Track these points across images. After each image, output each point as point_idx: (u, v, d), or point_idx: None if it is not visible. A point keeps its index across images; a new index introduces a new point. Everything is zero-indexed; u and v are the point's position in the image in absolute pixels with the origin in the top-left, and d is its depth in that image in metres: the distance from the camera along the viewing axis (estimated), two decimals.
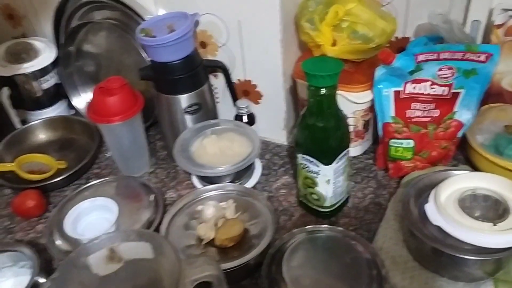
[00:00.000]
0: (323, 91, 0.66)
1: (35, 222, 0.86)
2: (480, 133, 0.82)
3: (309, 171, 0.74)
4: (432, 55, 0.74)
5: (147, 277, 0.54)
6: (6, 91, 0.98)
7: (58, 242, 0.75)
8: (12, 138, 0.99)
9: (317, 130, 0.71)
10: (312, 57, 0.77)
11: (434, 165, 0.83)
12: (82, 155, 0.95)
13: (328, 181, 0.74)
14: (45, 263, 0.73)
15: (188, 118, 0.88)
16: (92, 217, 0.77)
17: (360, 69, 0.84)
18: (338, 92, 0.72)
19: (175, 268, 0.45)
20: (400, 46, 0.93)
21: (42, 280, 0.69)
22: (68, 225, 0.75)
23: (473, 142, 0.81)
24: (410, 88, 0.78)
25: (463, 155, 0.87)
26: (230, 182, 0.81)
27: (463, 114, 0.79)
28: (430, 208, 0.66)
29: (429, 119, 0.80)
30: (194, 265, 0.48)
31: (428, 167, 0.82)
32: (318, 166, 0.72)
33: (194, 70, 0.85)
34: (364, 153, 0.93)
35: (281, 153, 0.96)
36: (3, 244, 0.73)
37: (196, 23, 0.85)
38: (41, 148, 0.99)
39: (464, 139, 0.82)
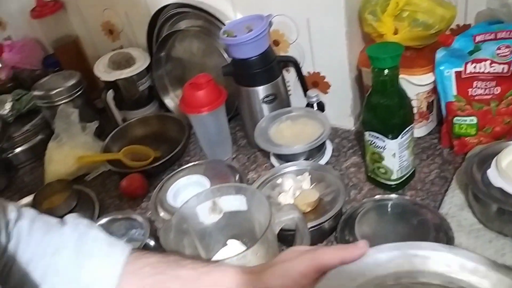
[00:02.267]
0: (386, 72, 0.75)
1: (140, 201, 1.01)
2: None
3: (376, 146, 0.82)
4: (489, 35, 0.80)
5: (242, 227, 0.65)
6: (111, 93, 1.16)
7: (162, 214, 0.89)
8: (116, 133, 1.16)
9: (382, 108, 0.79)
10: (375, 43, 0.86)
11: (498, 139, 0.87)
12: (173, 145, 1.09)
13: (394, 155, 0.81)
14: (152, 232, 0.87)
15: (265, 107, 1.00)
16: (188, 192, 0.90)
17: (421, 54, 0.91)
18: (401, 76, 0.81)
19: (267, 212, 0.56)
20: (461, 33, 0.98)
21: (151, 242, 0.83)
22: (170, 198, 0.89)
23: None
24: (470, 68, 0.84)
25: None
26: (304, 160, 0.92)
27: None
28: (492, 173, 0.72)
29: (490, 96, 0.85)
30: (281, 210, 0.58)
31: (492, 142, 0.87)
32: (384, 141, 0.81)
33: (269, 65, 0.96)
34: (429, 133, 0.99)
35: (349, 137, 1.05)
36: (119, 213, 0.88)
37: (270, 24, 0.97)
38: (139, 141, 1.15)
39: None
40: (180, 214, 0.60)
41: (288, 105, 1.05)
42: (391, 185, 0.86)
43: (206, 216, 0.63)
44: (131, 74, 1.16)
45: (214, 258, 0.61)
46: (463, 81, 0.85)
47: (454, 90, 0.87)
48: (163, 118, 1.20)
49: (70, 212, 1.01)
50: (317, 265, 0.41)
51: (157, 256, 0.54)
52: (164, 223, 0.58)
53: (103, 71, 1.17)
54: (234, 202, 0.62)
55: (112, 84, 1.17)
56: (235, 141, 1.13)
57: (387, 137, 0.80)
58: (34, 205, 1.00)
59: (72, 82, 1.19)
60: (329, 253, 0.42)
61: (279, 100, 1.01)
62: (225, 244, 0.65)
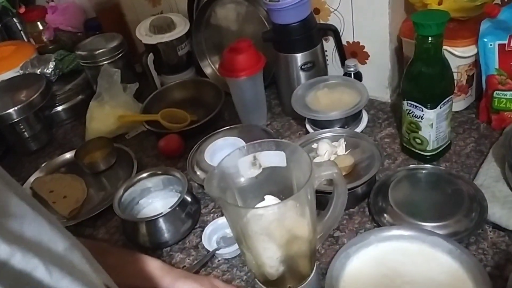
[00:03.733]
0: (430, 39, 0.75)
1: (176, 160, 1.05)
2: None
3: (414, 116, 0.83)
4: None
5: (280, 184, 0.67)
6: (151, 56, 1.18)
7: (198, 172, 0.92)
8: (154, 96, 1.20)
9: (424, 76, 0.79)
10: (421, 10, 0.86)
11: None
12: (210, 110, 1.11)
13: (431, 125, 0.82)
14: (189, 188, 0.91)
15: (303, 75, 1.01)
16: (225, 152, 0.92)
17: (465, 26, 0.90)
18: (444, 47, 0.80)
19: (307, 166, 0.57)
20: (508, 4, 0.96)
21: (188, 198, 0.87)
22: (207, 158, 0.92)
23: None
24: None
25: None
26: (340, 127, 0.93)
27: None
28: None
29: None
30: (321, 166, 0.60)
31: None
32: (422, 110, 0.81)
33: (309, 32, 0.97)
34: (467, 108, 0.98)
35: (385, 109, 1.05)
36: (159, 169, 0.92)
37: None
38: (177, 105, 1.18)
39: None
40: (222, 165, 0.62)
41: (326, 74, 1.06)
42: (426, 155, 0.87)
43: (246, 170, 0.65)
44: (171, 39, 1.19)
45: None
46: (506, 54, 0.84)
47: (496, 63, 0.86)
48: (200, 83, 1.22)
49: (110, 168, 1.06)
50: None
51: (87, 243, 0.58)
52: (208, 173, 0.60)
53: (144, 35, 1.20)
54: (273, 158, 0.64)
55: (153, 48, 1.20)
56: (269, 108, 1.14)
57: (426, 106, 0.80)
58: (76, 159, 1.05)
59: (114, 43, 1.22)
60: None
61: (317, 68, 1.02)
62: (262, 200, 0.67)
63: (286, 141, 0.63)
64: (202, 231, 0.83)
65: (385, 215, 0.77)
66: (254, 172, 0.67)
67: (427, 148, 0.85)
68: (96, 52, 1.20)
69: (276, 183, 0.68)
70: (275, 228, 0.59)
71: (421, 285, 0.56)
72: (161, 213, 0.81)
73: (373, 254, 0.61)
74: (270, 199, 0.66)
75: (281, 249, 0.61)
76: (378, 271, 0.59)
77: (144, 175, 0.88)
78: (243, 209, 0.60)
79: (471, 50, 0.88)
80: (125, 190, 0.87)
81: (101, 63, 1.19)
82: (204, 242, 0.81)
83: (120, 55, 1.22)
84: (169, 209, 0.81)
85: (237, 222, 0.59)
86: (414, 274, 0.57)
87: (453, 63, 0.89)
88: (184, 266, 0.81)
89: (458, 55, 0.89)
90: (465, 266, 0.55)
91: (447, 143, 0.88)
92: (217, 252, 0.79)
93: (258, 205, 0.66)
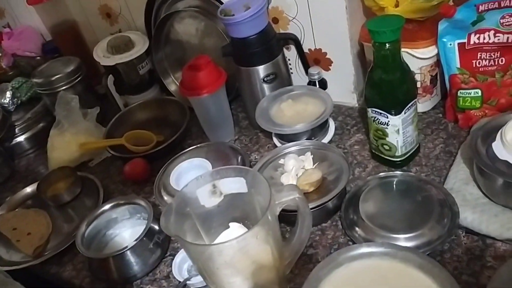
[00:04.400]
0: (387, 46, 0.73)
1: (143, 185, 1.01)
2: None
3: (379, 123, 0.81)
4: (493, 4, 0.77)
5: (243, 209, 0.65)
6: (111, 78, 1.15)
7: (166, 197, 0.89)
8: (118, 118, 1.16)
9: (385, 83, 0.77)
10: (375, 17, 0.84)
11: (503, 112, 0.86)
12: (176, 129, 1.08)
13: (398, 131, 0.80)
14: (156, 215, 0.88)
15: (266, 87, 0.98)
16: (191, 175, 0.90)
17: (423, 27, 0.88)
18: (404, 50, 0.79)
19: (267, 193, 0.55)
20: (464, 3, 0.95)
21: (156, 226, 0.83)
22: (173, 182, 0.89)
23: None
24: (474, 38, 0.81)
25: None
26: (307, 139, 0.91)
27: None
28: (497, 146, 0.71)
29: (495, 67, 0.83)
30: (282, 191, 0.58)
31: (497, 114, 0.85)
32: (387, 117, 0.79)
33: (269, 43, 0.94)
34: (434, 108, 0.97)
35: (353, 115, 1.03)
36: (122, 198, 0.88)
37: (269, 0, 0.94)
38: (141, 126, 1.15)
39: None
40: (180, 197, 0.60)
41: (290, 84, 1.03)
42: (396, 161, 0.85)
43: (207, 199, 0.63)
44: (130, 58, 1.15)
45: (216, 241, 0.61)
46: (467, 53, 0.83)
47: (457, 63, 0.84)
48: (164, 101, 1.19)
49: (75, 198, 1.02)
50: None
51: None
52: (165, 207, 0.57)
53: (102, 56, 1.16)
54: (234, 185, 0.62)
55: (112, 69, 1.16)
56: (237, 122, 1.12)
57: (390, 113, 0.78)
58: (38, 192, 1.01)
59: (71, 68, 1.18)
60: None
61: (280, 79, 0.99)
62: (227, 227, 0.64)
63: (245, 167, 0.61)
64: (173, 259, 0.80)
65: (356, 228, 0.75)
66: (215, 200, 0.64)
67: (396, 154, 0.84)
68: (53, 78, 1.16)
69: (240, 209, 0.66)
70: (239, 260, 0.56)
71: None
72: (126, 246, 0.77)
73: (344, 275, 0.58)
74: (235, 227, 0.64)
75: (248, 281, 0.58)
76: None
77: (107, 207, 0.85)
78: (201, 246, 0.57)
79: (431, 51, 0.87)
80: (88, 225, 0.83)
81: (58, 89, 1.15)
82: (175, 271, 0.77)
83: (78, 79, 1.18)
84: (134, 242, 0.77)
85: (197, 259, 0.56)
86: None
87: (415, 64, 0.88)
88: None
89: (419, 57, 0.87)
90: (437, 281, 0.53)
91: (416, 147, 0.86)
92: (188, 282, 0.76)
93: (222, 234, 0.64)
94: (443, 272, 0.54)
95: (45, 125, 1.23)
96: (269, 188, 0.55)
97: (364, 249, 0.60)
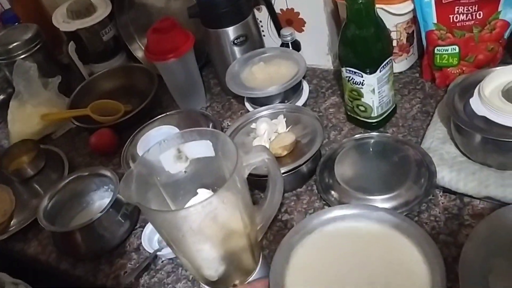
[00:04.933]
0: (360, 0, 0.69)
1: (111, 157, 0.96)
2: None
3: (354, 83, 0.78)
4: None
5: (212, 175, 0.61)
6: (72, 45, 1.08)
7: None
8: (82, 88, 1.10)
9: (359, 40, 0.73)
10: None
11: (481, 69, 0.83)
12: (145, 98, 1.03)
13: (373, 90, 0.77)
14: None
15: (237, 50, 0.94)
16: None
17: None
18: (379, 6, 0.75)
19: (234, 155, 0.51)
20: None
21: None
22: (140, 151, 0.84)
23: None
24: None
25: None
26: (280, 103, 0.87)
27: (508, 13, 0.78)
28: (474, 102, 0.68)
29: (473, 22, 0.80)
30: (250, 153, 0.54)
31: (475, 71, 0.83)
32: (362, 76, 0.76)
33: (237, 2, 0.89)
34: (410, 67, 0.94)
35: (328, 77, 1.00)
36: (86, 170, 0.84)
37: None
38: (108, 95, 1.09)
39: (511, 39, 0.82)
40: (142, 163, 0.55)
41: (262, 46, 0.99)
42: (372, 123, 0.82)
43: (172, 165, 0.59)
44: (92, 23, 1.08)
45: (185, 206, 0.58)
46: (443, 7, 0.80)
47: (434, 18, 0.81)
48: (131, 69, 1.13)
49: (39, 172, 0.97)
50: None
51: None
52: (124, 175, 0.53)
53: (61, 22, 1.09)
54: (200, 148, 0.58)
55: (74, 35, 1.10)
56: (208, 89, 1.07)
57: (365, 72, 0.75)
58: (0, 168, 0.95)
59: (29, 35, 1.10)
60: None
61: (251, 42, 0.95)
62: (195, 194, 0.61)
63: (209, 129, 0.57)
64: (143, 231, 0.76)
65: (332, 192, 0.72)
66: (181, 166, 0.60)
67: (372, 115, 0.81)
68: (10, 47, 1.08)
69: (209, 175, 0.62)
70: (207, 226, 0.53)
71: (371, 266, 0.52)
72: (92, 218, 0.73)
73: (318, 240, 0.56)
74: (203, 193, 0.60)
75: (217, 248, 0.55)
76: (325, 259, 0.54)
77: (69, 179, 0.80)
78: (163, 212, 0.53)
79: (407, 6, 0.83)
80: (51, 199, 0.79)
81: (17, 58, 1.07)
82: (144, 243, 0.74)
83: (37, 47, 1.10)
84: (100, 214, 0.73)
85: (161, 227, 0.53)
86: (362, 255, 0.53)
87: (390, 21, 0.84)
88: (125, 271, 0.74)
89: (394, 13, 0.84)
90: (413, 240, 0.51)
91: (392, 107, 0.83)
92: (158, 253, 0.73)
93: (190, 201, 0.60)
94: (418, 231, 0.52)
95: (5, 98, 1.15)
96: (236, 149, 0.51)
97: (338, 212, 0.58)
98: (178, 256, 0.58)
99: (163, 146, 0.57)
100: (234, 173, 0.50)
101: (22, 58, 1.07)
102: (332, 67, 1.01)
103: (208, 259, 0.55)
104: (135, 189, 0.53)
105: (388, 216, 0.54)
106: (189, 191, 0.62)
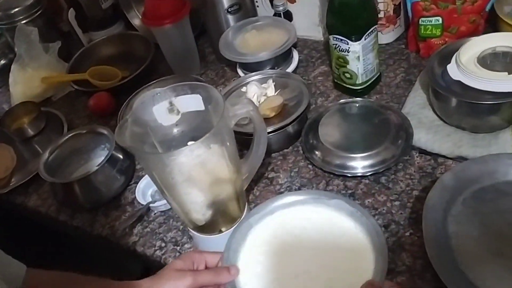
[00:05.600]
0: None
1: (109, 119, 1.01)
2: (508, 3, 0.84)
3: (340, 50, 0.81)
4: None
5: (202, 128, 0.65)
6: (72, 11, 1.11)
7: None
8: (81, 54, 1.14)
9: (345, 7, 0.77)
10: None
11: None
12: (141, 64, 1.07)
13: (358, 58, 0.81)
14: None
15: (231, 18, 0.97)
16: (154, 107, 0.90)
17: None
18: None
19: (221, 105, 0.56)
20: None
21: (119, 155, 0.84)
22: (147, 104, 0.88)
23: (500, 12, 0.84)
24: None
25: (493, 29, 0.89)
26: (270, 69, 0.91)
27: None
28: (451, 67, 0.72)
29: None
30: (236, 105, 0.58)
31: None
32: (347, 44, 0.79)
33: None
34: (397, 39, 0.98)
35: (318, 48, 1.03)
36: (84, 128, 0.88)
37: None
38: (107, 61, 1.13)
39: (493, 11, 0.85)
40: (135, 114, 0.60)
41: (255, 15, 1.02)
42: (357, 89, 0.86)
43: (164, 117, 0.63)
44: None
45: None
46: None
47: None
48: (129, 37, 1.17)
49: (39, 133, 1.01)
50: (195, 286, 0.52)
51: (54, 274, 0.57)
52: (120, 122, 0.57)
53: None
54: (190, 102, 0.62)
55: (74, 3, 1.13)
56: (203, 57, 1.11)
57: (350, 39, 0.79)
58: (1, 127, 0.99)
59: (30, 1, 1.13)
60: (206, 277, 0.52)
61: (245, 10, 0.98)
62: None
63: (200, 83, 0.61)
64: (137, 186, 0.81)
65: (316, 152, 0.77)
66: (173, 118, 0.64)
67: (357, 82, 0.85)
68: (12, 12, 1.12)
69: (198, 129, 0.66)
70: (195, 171, 0.57)
71: (321, 250, 0.53)
72: (89, 171, 0.78)
73: (276, 222, 0.56)
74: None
75: (204, 192, 0.60)
76: (281, 239, 0.55)
77: (68, 136, 0.85)
78: (156, 155, 0.58)
79: None
80: (51, 153, 0.83)
81: (18, 23, 1.11)
82: (138, 197, 0.79)
83: (39, 12, 1.14)
84: (97, 167, 0.78)
85: (153, 170, 0.57)
86: (316, 239, 0.54)
87: None
88: (120, 222, 0.79)
89: None
90: (365, 229, 0.52)
91: (377, 76, 0.87)
92: (151, 205, 0.77)
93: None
94: (370, 220, 0.52)
95: (7, 62, 1.20)
96: (223, 100, 0.55)
97: (297, 197, 0.58)
98: (168, 202, 0.62)
99: (156, 98, 0.62)
100: (220, 120, 0.54)
101: (24, 24, 1.10)
102: (322, 38, 1.04)
103: (197, 202, 0.60)
104: (129, 136, 0.57)
105: (345, 204, 0.55)
106: (180, 143, 0.66)
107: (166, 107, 0.63)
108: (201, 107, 0.62)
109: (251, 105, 0.58)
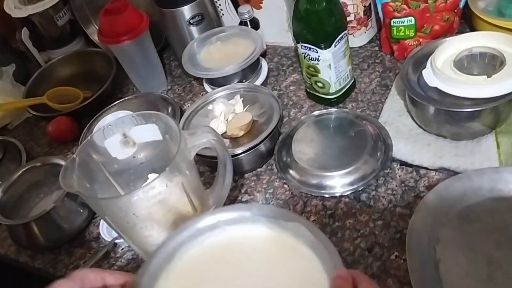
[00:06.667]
0: None
1: (71, 145, 0.94)
2: None
3: (310, 59, 0.76)
4: None
5: (161, 159, 0.60)
6: (26, 31, 1.04)
7: (95, 156, 0.82)
8: (38, 75, 1.07)
9: (311, 14, 0.72)
10: None
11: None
12: (104, 83, 1.00)
13: (329, 66, 0.76)
14: None
15: (194, 30, 0.91)
16: None
17: None
18: None
19: (177, 137, 0.50)
20: None
21: None
22: (97, 139, 0.82)
23: (475, 9, 0.80)
24: None
25: (469, 26, 0.86)
26: (238, 82, 0.85)
27: None
28: (427, 73, 0.68)
29: None
30: (194, 134, 0.53)
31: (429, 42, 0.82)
32: (317, 52, 0.75)
33: None
34: (370, 41, 0.93)
35: (289, 55, 0.98)
36: (39, 160, 0.81)
37: None
38: (66, 82, 1.06)
39: (467, 8, 0.81)
40: (84, 151, 0.54)
41: (220, 25, 0.96)
42: (331, 99, 0.81)
43: (119, 151, 0.57)
44: (45, 8, 1.05)
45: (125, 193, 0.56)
46: None
47: None
48: (88, 54, 1.10)
49: None
50: None
51: None
52: (65, 164, 0.52)
53: (13, 8, 1.05)
54: (146, 132, 0.56)
55: (27, 21, 1.06)
56: (170, 71, 1.05)
57: (320, 47, 0.74)
58: None
59: None
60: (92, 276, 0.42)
61: (208, 21, 0.92)
62: (147, 179, 0.60)
63: (154, 112, 0.55)
64: (101, 219, 0.75)
65: (290, 171, 0.72)
66: (128, 151, 0.59)
67: (330, 91, 0.80)
68: None
69: (159, 159, 0.61)
70: (154, 211, 0.52)
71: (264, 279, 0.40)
72: (45, 209, 0.72)
73: (213, 241, 0.44)
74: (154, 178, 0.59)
75: (166, 233, 0.54)
76: (213, 269, 0.42)
77: (22, 170, 0.78)
78: (106, 200, 0.52)
79: None
80: (4, 192, 0.76)
81: None
82: (103, 232, 0.73)
83: None
84: (54, 204, 0.72)
85: (105, 215, 0.52)
86: (258, 275, 0.40)
87: None
88: (85, 261, 0.73)
89: None
90: (313, 246, 0.40)
91: (351, 83, 0.83)
92: (117, 241, 0.72)
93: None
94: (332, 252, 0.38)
95: None
96: (179, 131, 0.50)
97: (234, 214, 0.44)
98: (128, 243, 0.57)
99: (107, 132, 0.56)
100: (176, 156, 0.48)
101: None
102: (292, 44, 0.99)
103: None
104: (77, 178, 0.52)
105: (305, 230, 0.41)
106: (140, 176, 0.61)
107: (119, 140, 0.57)
108: (159, 136, 0.57)
109: (211, 133, 0.53)
